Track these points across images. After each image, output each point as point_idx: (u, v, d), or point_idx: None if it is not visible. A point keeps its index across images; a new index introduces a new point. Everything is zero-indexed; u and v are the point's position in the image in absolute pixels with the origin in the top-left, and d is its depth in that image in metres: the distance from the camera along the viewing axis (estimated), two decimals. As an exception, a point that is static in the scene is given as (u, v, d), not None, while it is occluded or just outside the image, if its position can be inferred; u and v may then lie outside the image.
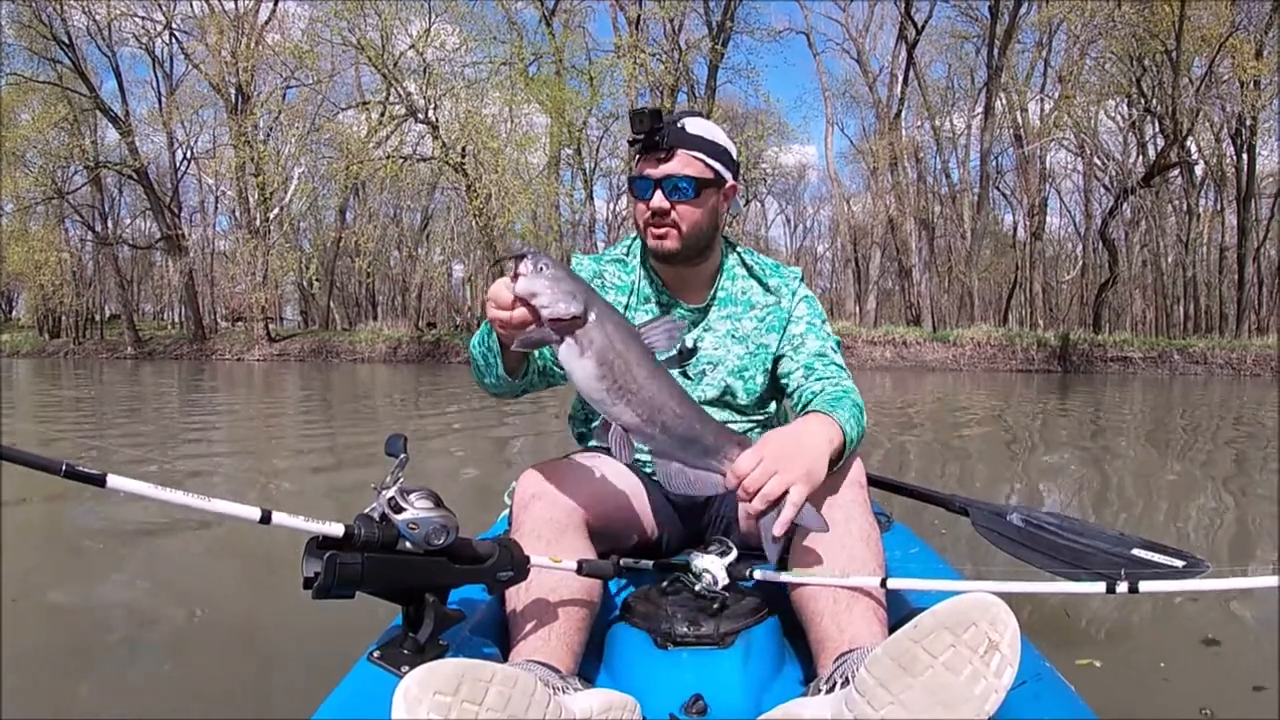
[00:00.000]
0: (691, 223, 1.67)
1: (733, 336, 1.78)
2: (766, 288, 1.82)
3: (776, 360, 1.80)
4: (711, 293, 1.80)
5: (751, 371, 1.78)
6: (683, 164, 1.63)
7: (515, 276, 1.32)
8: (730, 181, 1.70)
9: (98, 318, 41.40)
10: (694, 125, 1.64)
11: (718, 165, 1.66)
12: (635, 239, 1.84)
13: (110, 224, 38.53)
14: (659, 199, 1.64)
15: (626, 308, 1.78)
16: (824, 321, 1.82)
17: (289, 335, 33.17)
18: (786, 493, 1.33)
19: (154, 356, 32.43)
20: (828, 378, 1.71)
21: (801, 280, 1.85)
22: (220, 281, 40.13)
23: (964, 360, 26.24)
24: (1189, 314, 32.12)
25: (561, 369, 1.44)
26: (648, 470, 1.77)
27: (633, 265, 1.82)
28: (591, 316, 1.35)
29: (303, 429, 8.39)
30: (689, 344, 1.78)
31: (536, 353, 1.63)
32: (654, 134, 1.60)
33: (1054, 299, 35.87)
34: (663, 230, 1.67)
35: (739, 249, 1.85)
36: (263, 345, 31.21)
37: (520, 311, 1.33)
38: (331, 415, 9.98)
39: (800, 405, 1.70)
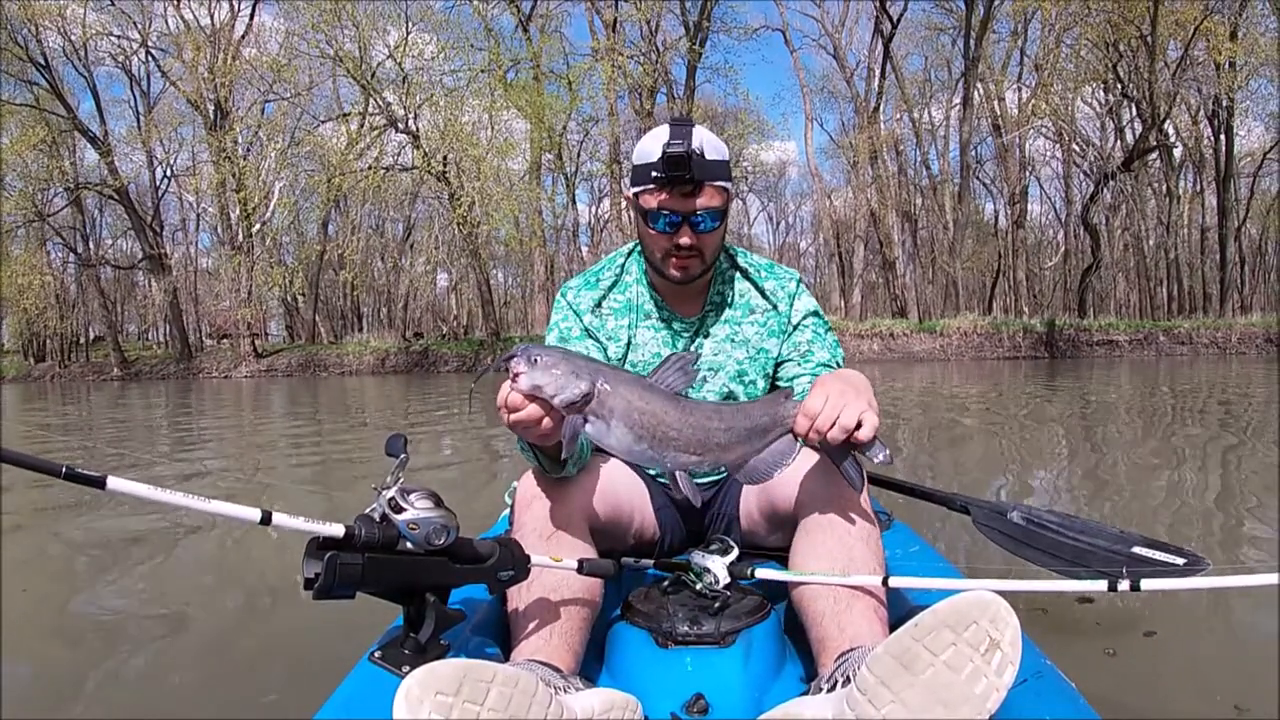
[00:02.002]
0: (713, 249, 1.69)
1: (732, 341, 1.78)
2: (763, 290, 1.81)
3: (778, 365, 1.80)
4: (706, 301, 1.80)
5: (751, 376, 1.78)
6: (709, 197, 1.61)
7: (515, 377, 1.32)
8: (732, 192, 1.70)
9: (82, 340, 41.12)
10: (710, 148, 1.59)
11: (729, 185, 1.66)
12: (630, 255, 1.83)
13: (92, 245, 38.33)
14: (688, 236, 1.63)
15: (628, 326, 1.78)
16: (828, 331, 1.83)
17: (275, 351, 33.00)
18: (859, 424, 1.35)
19: (140, 377, 32.22)
20: None
21: (801, 283, 1.84)
22: (205, 299, 40.00)
23: (951, 350, 26.37)
24: (1172, 295, 32.40)
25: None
26: (650, 470, 1.77)
27: (628, 283, 1.81)
28: (602, 386, 1.34)
29: (293, 446, 8.34)
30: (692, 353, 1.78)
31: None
32: (685, 171, 1.56)
33: (1038, 286, 36.02)
34: (688, 262, 1.67)
35: (730, 249, 1.84)
36: (250, 362, 31.07)
37: (533, 408, 1.33)
38: (323, 429, 9.93)
39: None
